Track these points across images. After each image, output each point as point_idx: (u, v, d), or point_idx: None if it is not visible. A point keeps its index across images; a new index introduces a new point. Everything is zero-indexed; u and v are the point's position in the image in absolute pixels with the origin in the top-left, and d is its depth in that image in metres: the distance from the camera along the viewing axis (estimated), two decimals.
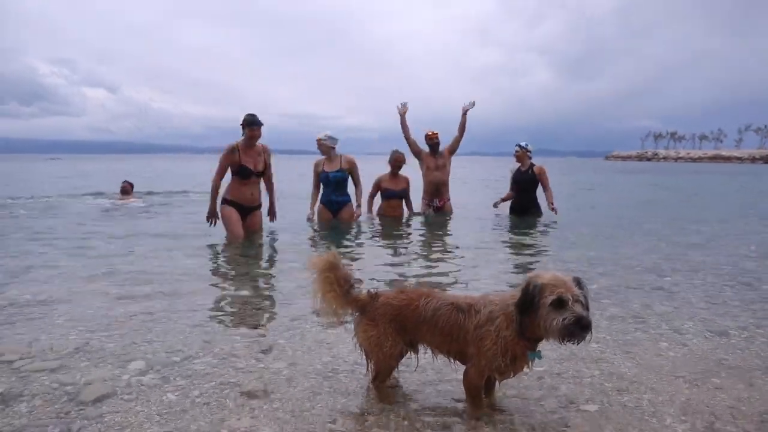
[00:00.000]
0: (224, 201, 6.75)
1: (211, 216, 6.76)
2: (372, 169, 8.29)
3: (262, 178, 6.88)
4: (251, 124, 6.50)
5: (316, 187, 8.24)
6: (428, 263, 5.44)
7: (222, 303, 3.93)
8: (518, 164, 9.15)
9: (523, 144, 8.97)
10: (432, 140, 8.91)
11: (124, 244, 6.46)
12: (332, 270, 2.33)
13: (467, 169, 40.54)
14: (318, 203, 8.23)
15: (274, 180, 7.21)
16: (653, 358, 2.86)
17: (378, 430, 2.10)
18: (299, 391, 2.43)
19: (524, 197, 9.05)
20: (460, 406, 2.29)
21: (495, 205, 9.37)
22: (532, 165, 8.98)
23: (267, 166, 6.84)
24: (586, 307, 1.89)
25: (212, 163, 6.93)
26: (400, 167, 8.67)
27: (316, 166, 8.17)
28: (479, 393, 2.19)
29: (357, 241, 6.81)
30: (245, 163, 6.57)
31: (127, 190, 12.12)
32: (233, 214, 6.70)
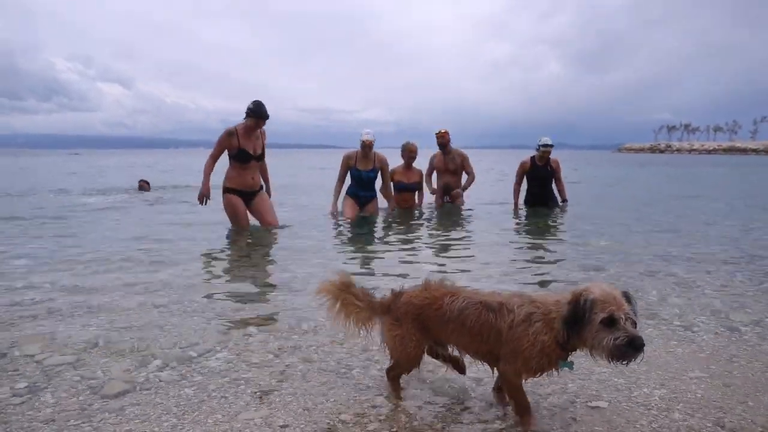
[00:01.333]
0: (225, 190, 6.56)
1: (203, 195, 6.48)
2: (389, 162, 8.38)
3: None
4: (258, 116, 6.32)
5: (341, 181, 8.21)
6: (441, 258, 5.47)
7: (235, 297, 3.99)
8: (527, 159, 9.14)
9: (550, 142, 8.97)
10: (442, 139, 9.03)
11: (136, 237, 6.56)
12: (347, 290, 2.32)
13: (483, 162, 40.39)
14: (344, 195, 8.25)
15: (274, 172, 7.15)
16: (663, 355, 2.88)
17: (390, 424, 2.14)
18: (313, 386, 2.49)
19: (543, 190, 9.21)
20: (470, 401, 2.33)
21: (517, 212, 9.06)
22: (548, 159, 9.09)
23: (263, 149, 6.66)
24: (635, 324, 1.79)
25: (227, 157, 6.89)
26: (413, 159, 8.73)
27: (348, 159, 8.12)
28: (521, 393, 2.09)
29: (372, 235, 6.86)
30: (244, 147, 6.37)
31: (144, 187, 12.27)
32: (238, 204, 6.52)
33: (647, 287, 4.22)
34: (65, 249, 5.82)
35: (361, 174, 8.06)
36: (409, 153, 8.63)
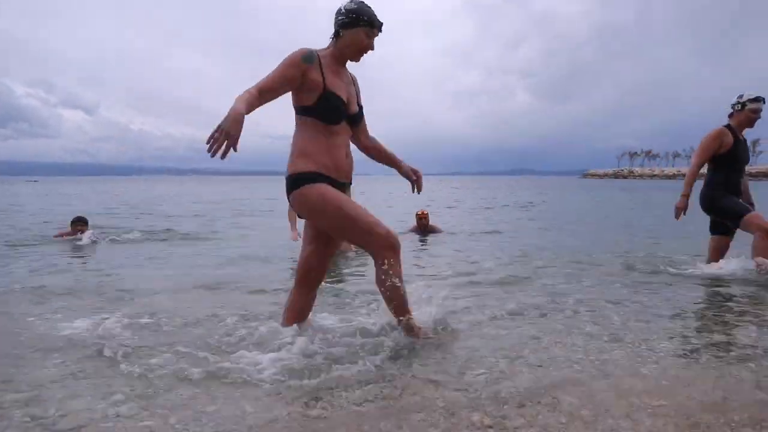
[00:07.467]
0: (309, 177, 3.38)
1: None
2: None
3: None
4: None
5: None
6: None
7: (198, 329, 3.87)
8: (722, 128, 5.49)
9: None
10: (423, 219, 9.62)
11: (94, 269, 6.35)
12: None
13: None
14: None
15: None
16: (629, 380, 2.90)
17: None
18: (278, 429, 2.41)
19: (739, 177, 5.68)
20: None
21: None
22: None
23: None
24: None
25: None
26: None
27: None
28: None
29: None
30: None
31: (80, 228, 10.99)
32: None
33: (609, 310, 4.30)
34: (12, 280, 5.59)
35: None
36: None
